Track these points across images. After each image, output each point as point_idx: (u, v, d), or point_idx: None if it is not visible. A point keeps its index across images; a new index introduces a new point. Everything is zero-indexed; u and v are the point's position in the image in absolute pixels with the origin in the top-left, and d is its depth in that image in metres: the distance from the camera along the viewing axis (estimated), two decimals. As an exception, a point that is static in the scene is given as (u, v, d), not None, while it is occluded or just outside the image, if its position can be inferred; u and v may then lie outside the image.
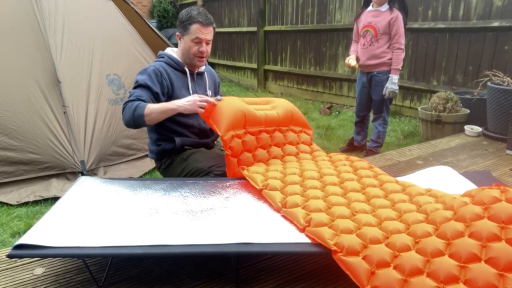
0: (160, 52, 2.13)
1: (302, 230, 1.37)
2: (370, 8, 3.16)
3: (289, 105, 2.23)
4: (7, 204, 2.66)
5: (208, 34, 2.01)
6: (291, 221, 1.44)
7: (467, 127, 3.12)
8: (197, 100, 1.88)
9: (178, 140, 2.05)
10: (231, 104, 1.99)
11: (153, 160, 2.26)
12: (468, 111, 3.52)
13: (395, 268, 1.20)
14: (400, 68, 3.09)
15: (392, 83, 3.07)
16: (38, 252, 1.24)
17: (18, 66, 2.83)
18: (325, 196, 1.58)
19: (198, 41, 1.99)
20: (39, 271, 1.41)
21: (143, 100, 1.88)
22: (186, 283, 1.36)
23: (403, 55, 3.07)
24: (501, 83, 3.06)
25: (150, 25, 4.04)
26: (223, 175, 1.93)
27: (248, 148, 1.93)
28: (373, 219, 1.41)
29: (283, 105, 2.20)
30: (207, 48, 2.04)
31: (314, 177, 1.75)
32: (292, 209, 1.48)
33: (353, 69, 3.22)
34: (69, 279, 1.37)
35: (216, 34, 2.32)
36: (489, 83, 3.08)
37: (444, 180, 1.97)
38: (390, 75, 3.08)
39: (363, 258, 1.23)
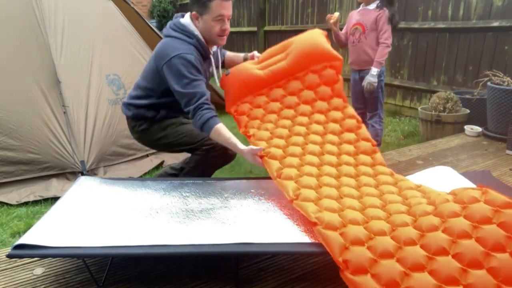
0: (185, 27, 1.90)
1: (314, 224, 1.35)
2: (360, 8, 3.20)
3: (307, 42, 2.11)
4: (7, 204, 2.66)
5: (230, 9, 1.87)
6: (290, 222, 1.43)
7: (467, 127, 3.12)
8: (256, 156, 1.76)
9: (163, 112, 1.99)
10: (234, 77, 2.05)
11: (153, 160, 2.24)
12: (468, 111, 3.51)
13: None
14: (383, 62, 3.04)
15: (371, 75, 3.03)
16: (38, 252, 1.24)
17: (18, 66, 2.83)
18: (340, 197, 1.54)
19: (221, 19, 1.85)
20: (39, 271, 1.42)
21: (212, 109, 1.82)
22: (186, 283, 1.36)
23: (387, 50, 3.03)
24: (501, 83, 3.06)
25: (150, 25, 4.04)
26: (213, 147, 1.92)
27: (257, 105, 1.99)
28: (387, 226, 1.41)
29: (298, 47, 2.09)
30: (228, 25, 1.91)
31: (332, 174, 1.69)
32: (304, 202, 1.45)
33: (334, 20, 3.14)
34: (69, 279, 1.37)
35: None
36: (489, 83, 3.08)
37: (444, 180, 1.98)
38: (371, 67, 3.07)
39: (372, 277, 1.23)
